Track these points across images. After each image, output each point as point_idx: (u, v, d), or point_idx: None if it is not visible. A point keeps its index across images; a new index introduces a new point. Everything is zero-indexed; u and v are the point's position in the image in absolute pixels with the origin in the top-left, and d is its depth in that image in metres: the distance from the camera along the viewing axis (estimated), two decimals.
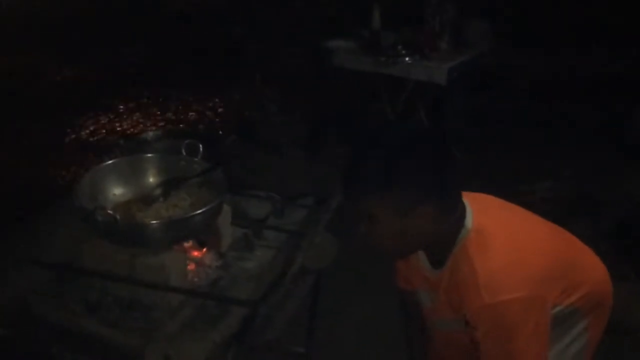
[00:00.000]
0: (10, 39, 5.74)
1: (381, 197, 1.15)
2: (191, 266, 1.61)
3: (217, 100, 4.60)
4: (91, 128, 4.53)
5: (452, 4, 3.88)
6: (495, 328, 1.18)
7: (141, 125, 4.59)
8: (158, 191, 1.63)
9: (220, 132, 3.66)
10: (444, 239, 1.24)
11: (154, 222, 1.46)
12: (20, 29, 6.04)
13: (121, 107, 4.84)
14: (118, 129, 4.54)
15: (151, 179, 1.69)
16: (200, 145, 1.72)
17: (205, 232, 1.63)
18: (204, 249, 1.67)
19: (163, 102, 4.98)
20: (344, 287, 2.62)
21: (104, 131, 4.50)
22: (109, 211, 1.38)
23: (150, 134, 2.06)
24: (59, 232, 1.60)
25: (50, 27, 6.09)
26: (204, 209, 1.47)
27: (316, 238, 1.82)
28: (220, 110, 4.44)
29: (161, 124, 4.50)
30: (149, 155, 1.73)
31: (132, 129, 4.51)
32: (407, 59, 3.83)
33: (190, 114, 4.60)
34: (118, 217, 1.39)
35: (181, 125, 4.34)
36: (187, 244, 1.62)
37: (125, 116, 4.70)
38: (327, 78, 4.08)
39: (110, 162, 1.66)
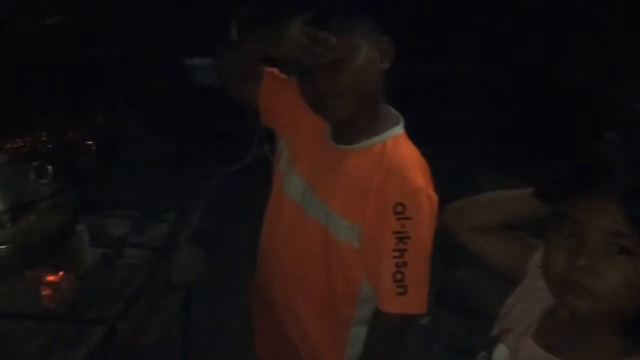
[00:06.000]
0: None
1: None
2: (45, 291, 1.55)
3: (76, 123, 4.38)
4: None
5: None
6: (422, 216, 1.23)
7: None
8: (5, 218, 1.56)
9: (75, 154, 3.45)
10: (379, 110, 1.30)
11: None
12: None
13: None
14: None
15: None
16: (50, 167, 1.67)
17: (61, 256, 1.59)
18: (60, 273, 1.62)
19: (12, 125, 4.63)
20: (218, 300, 2.62)
21: None
22: None
23: None
24: None
25: None
26: (53, 232, 1.44)
27: (181, 252, 1.82)
28: (79, 133, 4.24)
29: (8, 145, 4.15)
30: None
31: None
32: None
33: (44, 137, 4.31)
34: None
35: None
36: (40, 270, 1.57)
37: None
38: (191, 95, 4.06)
39: None
